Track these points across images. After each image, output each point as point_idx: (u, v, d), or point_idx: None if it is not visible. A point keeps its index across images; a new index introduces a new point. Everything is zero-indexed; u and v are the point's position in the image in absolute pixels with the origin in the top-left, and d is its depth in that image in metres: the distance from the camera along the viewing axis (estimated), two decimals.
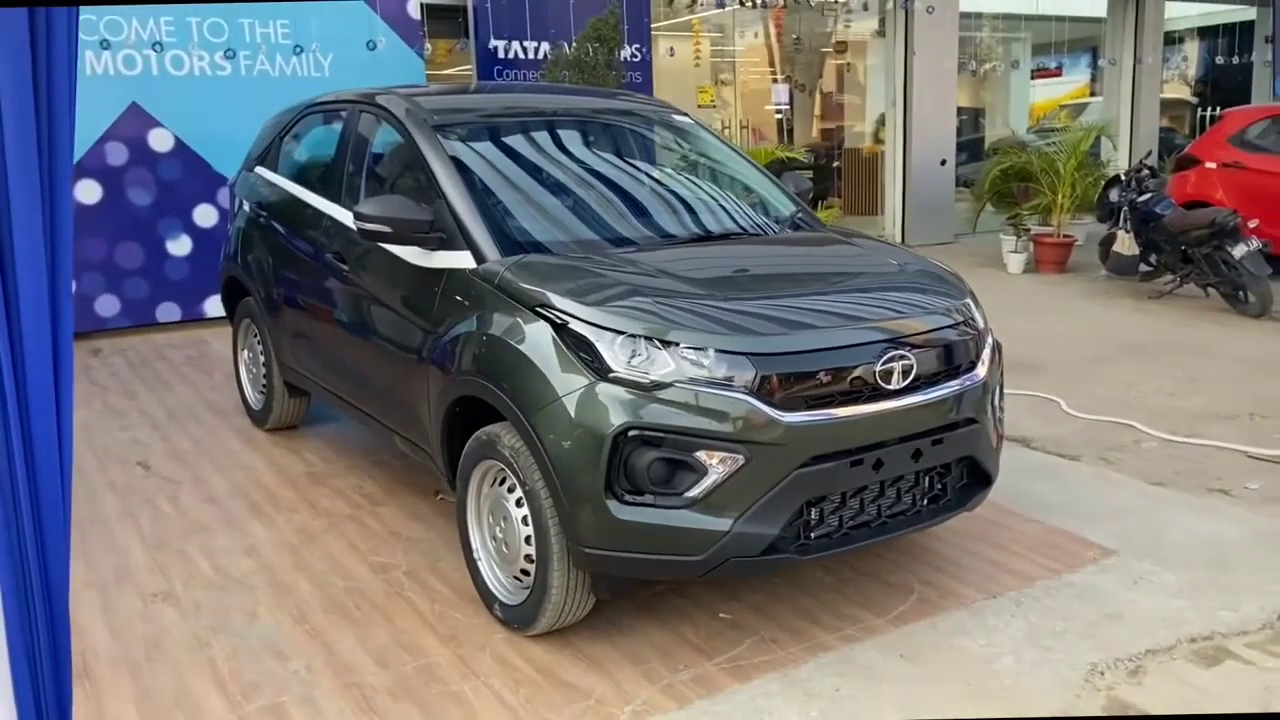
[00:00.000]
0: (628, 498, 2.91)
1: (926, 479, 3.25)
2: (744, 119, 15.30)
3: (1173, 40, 17.37)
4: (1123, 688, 2.95)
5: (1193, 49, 18.83)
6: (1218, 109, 14.36)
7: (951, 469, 3.30)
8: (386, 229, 3.60)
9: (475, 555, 3.44)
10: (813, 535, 3.04)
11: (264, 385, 5.31)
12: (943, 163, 12.24)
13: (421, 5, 8.82)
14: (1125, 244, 8.96)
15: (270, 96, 6.92)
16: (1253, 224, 7.92)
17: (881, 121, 13.59)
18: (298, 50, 8.22)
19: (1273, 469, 4.67)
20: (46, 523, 1.40)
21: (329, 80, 8.02)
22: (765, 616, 3.38)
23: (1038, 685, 2.97)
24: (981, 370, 3.35)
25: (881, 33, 12.90)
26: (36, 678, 1.42)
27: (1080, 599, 3.46)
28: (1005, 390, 3.64)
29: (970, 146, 14.64)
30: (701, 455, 2.88)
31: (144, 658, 3.21)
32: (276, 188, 5.07)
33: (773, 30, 15.58)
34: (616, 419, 2.88)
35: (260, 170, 5.30)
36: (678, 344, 2.93)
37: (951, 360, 3.26)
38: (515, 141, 4.18)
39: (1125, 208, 8.93)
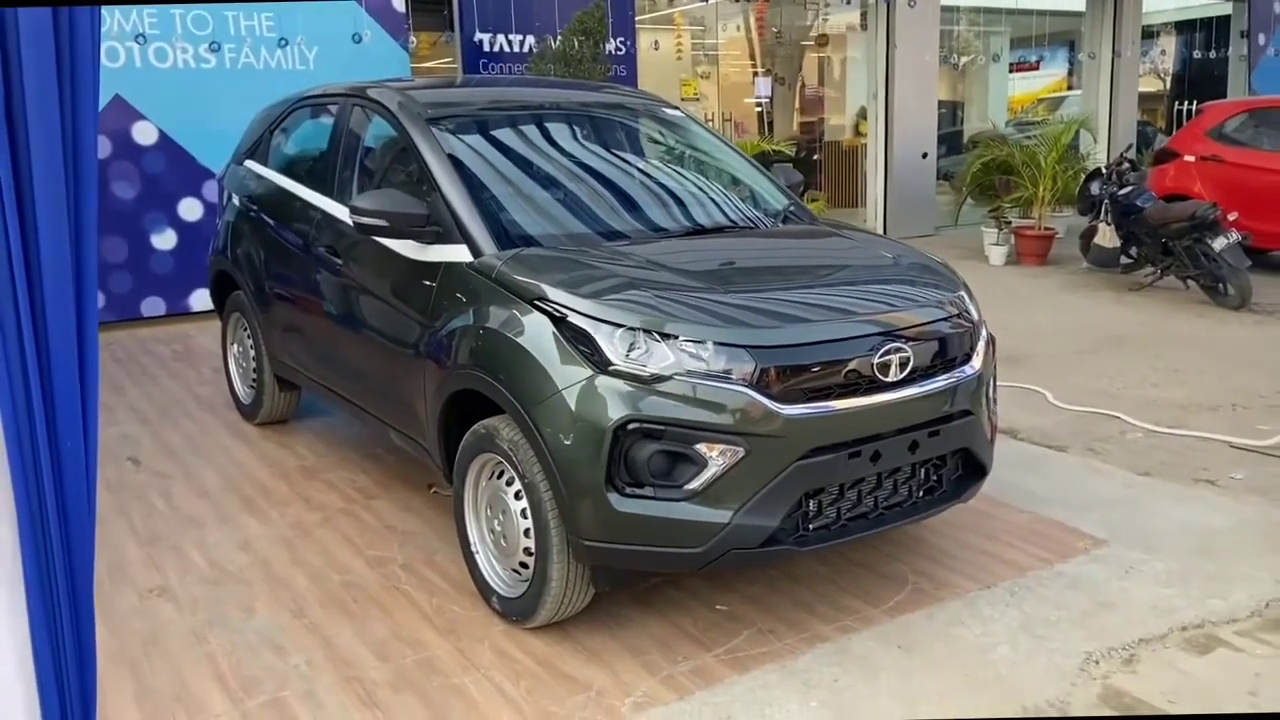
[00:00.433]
0: (628, 490, 2.93)
1: (923, 471, 3.28)
2: (725, 112, 15.33)
3: (1150, 34, 17.52)
4: (1117, 676, 2.99)
5: (1169, 43, 19.00)
6: (1194, 103, 14.51)
7: (947, 461, 3.33)
8: (382, 223, 3.59)
9: (473, 548, 3.44)
10: (811, 527, 3.07)
11: (254, 379, 5.29)
12: (924, 156, 12.30)
13: None
14: (1106, 237, 9.04)
15: (255, 90, 6.90)
16: (1232, 216, 8.02)
17: (862, 114, 13.64)
18: (282, 43, 8.16)
19: (1256, 458, 4.73)
20: (72, 522, 1.39)
21: (314, 74, 7.98)
22: (762, 608, 3.41)
23: (1033, 674, 3.01)
24: (976, 362, 3.38)
25: (863, 26, 12.95)
26: (61, 675, 1.41)
27: (1073, 588, 3.51)
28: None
29: (949, 139, 14.73)
30: (701, 448, 2.89)
31: (142, 654, 3.20)
32: (267, 181, 5.04)
33: (754, 23, 15.61)
34: (616, 412, 2.89)
35: (250, 164, 5.27)
36: (677, 337, 2.94)
37: (947, 353, 3.29)
38: (509, 135, 4.17)
39: (1106, 201, 9.00)
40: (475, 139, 4.06)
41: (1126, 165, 9.21)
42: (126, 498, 4.46)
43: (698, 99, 14.42)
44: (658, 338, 2.95)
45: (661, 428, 2.89)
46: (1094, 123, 12.66)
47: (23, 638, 1.49)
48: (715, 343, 2.94)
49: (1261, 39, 14.64)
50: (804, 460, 2.95)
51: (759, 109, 15.63)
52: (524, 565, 3.23)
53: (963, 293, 3.55)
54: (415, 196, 3.67)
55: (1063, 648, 3.14)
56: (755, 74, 15.74)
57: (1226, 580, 3.54)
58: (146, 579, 3.70)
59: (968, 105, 16.80)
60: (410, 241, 3.66)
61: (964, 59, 15.01)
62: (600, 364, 2.95)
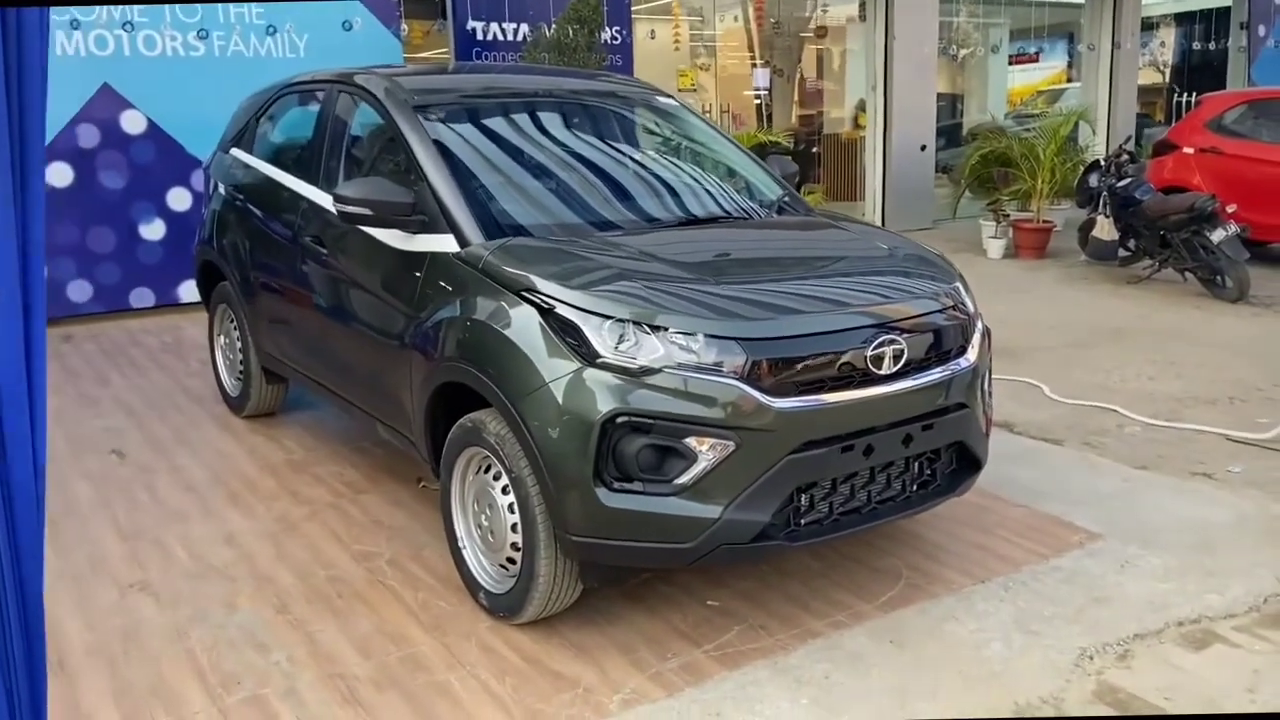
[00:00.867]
0: (616, 485, 2.87)
1: (916, 464, 3.23)
2: (724, 103, 15.24)
3: (1149, 26, 17.45)
4: (1112, 672, 2.95)
5: (1169, 35, 18.92)
6: (1193, 95, 14.45)
7: (941, 454, 3.28)
8: (367, 211, 3.53)
9: (460, 543, 3.39)
10: (803, 521, 3.01)
11: (241, 372, 5.23)
12: (923, 148, 12.24)
13: None
14: (1104, 229, 8.99)
15: (244, 77, 6.82)
16: (1231, 209, 7.96)
17: (861, 106, 13.56)
18: (272, 31, 8.08)
19: (1254, 452, 4.69)
20: (19, 516, 1.33)
21: (304, 61, 7.89)
22: (754, 603, 3.36)
23: (1028, 670, 2.96)
24: (972, 355, 3.33)
25: (862, 17, 12.86)
26: (9, 676, 1.35)
27: (1068, 583, 3.46)
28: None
29: (948, 132, 14.65)
30: (691, 441, 2.84)
31: (121, 650, 3.14)
32: (252, 170, 4.97)
33: (752, 14, 15.52)
34: (605, 405, 2.84)
35: (235, 152, 5.20)
36: (666, 329, 2.89)
37: (942, 345, 3.24)
38: (498, 123, 4.11)
39: (1104, 193, 8.95)
40: (463, 127, 4.00)
41: (1125, 157, 9.15)
42: (110, 491, 4.40)
43: (695, 90, 14.33)
44: (647, 330, 2.89)
45: (651, 421, 2.84)
46: (1093, 115, 12.59)
47: None
48: (706, 335, 2.88)
49: (1261, 30, 14.59)
50: (796, 454, 2.90)
51: (757, 101, 15.54)
52: (511, 561, 3.17)
53: (958, 284, 3.49)
54: (402, 185, 3.60)
55: (1057, 643, 3.09)
56: (753, 65, 15.64)
57: (1224, 575, 3.49)
58: (128, 573, 3.64)
59: (967, 97, 16.72)
60: (396, 231, 3.59)
61: (963, 51, 14.95)
62: (588, 356, 2.89)
